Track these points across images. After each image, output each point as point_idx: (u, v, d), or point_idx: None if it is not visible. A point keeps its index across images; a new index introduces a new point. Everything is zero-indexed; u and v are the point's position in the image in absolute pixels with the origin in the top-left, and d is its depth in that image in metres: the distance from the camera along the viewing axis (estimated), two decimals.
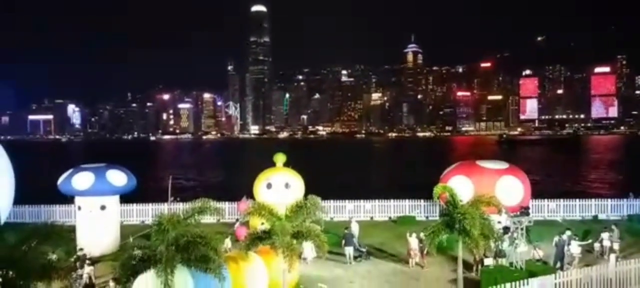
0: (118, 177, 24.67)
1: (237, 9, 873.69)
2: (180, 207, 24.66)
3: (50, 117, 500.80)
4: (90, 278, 18.31)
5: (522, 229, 22.03)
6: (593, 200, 31.46)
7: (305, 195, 17.79)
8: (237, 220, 27.85)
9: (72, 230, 21.59)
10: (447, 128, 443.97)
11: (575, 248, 20.59)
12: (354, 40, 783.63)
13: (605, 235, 22.31)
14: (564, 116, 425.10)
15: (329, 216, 29.79)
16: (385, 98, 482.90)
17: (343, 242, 22.62)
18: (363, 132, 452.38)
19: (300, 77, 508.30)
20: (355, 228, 24.16)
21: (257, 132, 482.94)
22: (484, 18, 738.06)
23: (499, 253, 20.15)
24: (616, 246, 21.52)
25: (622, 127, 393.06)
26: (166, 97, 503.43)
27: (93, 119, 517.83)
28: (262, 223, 15.84)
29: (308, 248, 21.00)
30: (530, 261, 20.38)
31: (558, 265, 20.31)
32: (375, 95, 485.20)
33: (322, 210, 17.11)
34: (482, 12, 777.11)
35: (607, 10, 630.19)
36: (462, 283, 16.95)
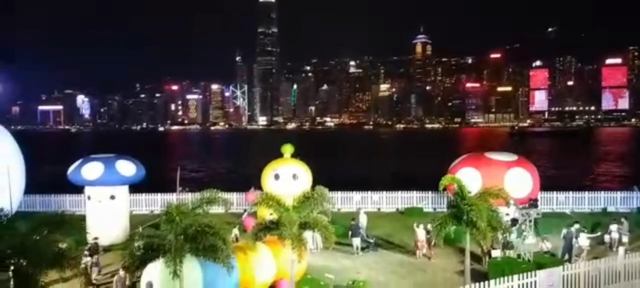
0: (127, 167, 24.86)
1: (245, 0, 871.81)
2: (189, 197, 24.86)
3: (60, 107, 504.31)
4: (86, 268, 18.02)
5: (530, 221, 22.02)
6: (602, 192, 31.29)
7: (313, 186, 17.83)
8: (245, 210, 28.03)
9: (82, 219, 21.82)
10: (455, 120, 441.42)
11: (583, 240, 20.51)
12: (362, 31, 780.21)
13: (613, 227, 22.21)
14: (574, 108, 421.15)
15: (336, 207, 29.86)
16: (394, 89, 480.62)
17: (350, 233, 22.71)
18: (371, 123, 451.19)
19: (308, 68, 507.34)
20: (363, 220, 24.22)
21: (265, 123, 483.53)
22: (494, 9, 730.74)
23: (507, 245, 20.14)
24: (625, 238, 21.44)
25: (633, 119, 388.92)
26: (174, 87, 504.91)
27: (102, 110, 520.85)
28: (271, 214, 15.91)
29: (309, 238, 21.14)
30: (538, 253, 20.36)
31: (566, 257, 20.26)
32: (384, 86, 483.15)
33: (330, 201, 17.13)
34: (492, 2, 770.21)
35: (618, 0, 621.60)
36: (470, 275, 16.94)
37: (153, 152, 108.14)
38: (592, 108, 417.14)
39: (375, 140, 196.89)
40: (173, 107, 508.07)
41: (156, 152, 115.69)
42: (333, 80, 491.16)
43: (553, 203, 30.38)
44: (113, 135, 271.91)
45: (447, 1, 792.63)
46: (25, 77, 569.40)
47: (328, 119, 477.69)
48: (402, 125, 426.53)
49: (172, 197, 30.26)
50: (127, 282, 16.28)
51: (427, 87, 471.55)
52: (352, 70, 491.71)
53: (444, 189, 18.99)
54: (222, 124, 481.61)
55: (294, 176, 24.77)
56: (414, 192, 31.44)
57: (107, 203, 24.44)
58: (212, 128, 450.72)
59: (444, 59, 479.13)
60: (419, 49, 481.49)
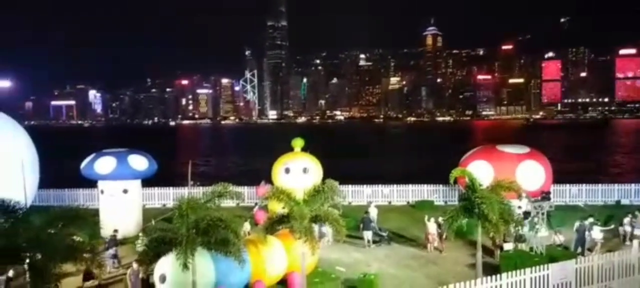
0: (139, 162, 25.10)
1: None
2: (200, 191, 25.01)
3: (72, 102, 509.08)
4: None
5: (543, 214, 21.86)
6: (616, 185, 30.97)
7: (323, 179, 17.85)
8: (256, 204, 28.14)
9: (95, 213, 22.06)
10: (467, 112, 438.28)
11: (596, 233, 20.34)
12: (372, 23, 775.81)
13: (627, 221, 21.99)
14: (588, 99, 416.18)
15: (347, 201, 29.89)
16: (404, 82, 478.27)
17: (361, 226, 22.72)
18: (381, 116, 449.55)
19: (318, 61, 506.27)
20: (373, 213, 24.22)
21: (275, 117, 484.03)
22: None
23: (519, 238, 20.03)
24: (638, 232, 21.19)
25: None
26: (185, 82, 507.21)
27: (114, 105, 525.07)
28: (282, 208, 15.97)
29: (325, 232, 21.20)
30: (550, 246, 20.24)
31: (579, 250, 20.10)
32: (394, 79, 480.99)
33: (340, 195, 17.13)
34: None
35: None
36: (481, 268, 16.88)
37: (165, 146, 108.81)
38: (606, 99, 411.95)
39: (385, 134, 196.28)
40: (184, 101, 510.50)
41: (168, 146, 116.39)
42: (343, 73, 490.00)
43: (566, 196, 30.12)
44: (125, 129, 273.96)
45: None
46: (38, 72, 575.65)
47: (338, 113, 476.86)
48: (412, 118, 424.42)
49: (184, 191, 30.45)
50: (141, 275, 16.45)
51: (438, 80, 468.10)
52: (362, 63, 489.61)
53: (455, 182, 18.92)
54: (232, 118, 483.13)
55: (305, 170, 24.82)
56: (425, 185, 31.36)
57: (120, 197, 24.69)
58: (223, 122, 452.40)
59: (454, 51, 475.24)
60: (429, 41, 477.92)
